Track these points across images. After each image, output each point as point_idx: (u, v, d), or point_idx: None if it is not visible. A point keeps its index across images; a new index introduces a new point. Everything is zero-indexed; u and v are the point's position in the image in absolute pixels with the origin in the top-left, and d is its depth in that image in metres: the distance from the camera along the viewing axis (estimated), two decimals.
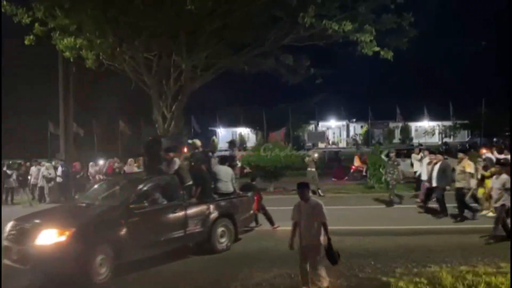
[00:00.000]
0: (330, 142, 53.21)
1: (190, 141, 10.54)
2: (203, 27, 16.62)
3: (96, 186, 9.49)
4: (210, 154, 14.43)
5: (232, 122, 53.00)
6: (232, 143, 13.00)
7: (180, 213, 8.06)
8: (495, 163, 9.55)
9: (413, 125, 54.18)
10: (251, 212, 9.73)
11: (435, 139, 49.99)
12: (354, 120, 54.58)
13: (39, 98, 32.77)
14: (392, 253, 8.06)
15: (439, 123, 51.99)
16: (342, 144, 52.74)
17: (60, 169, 18.08)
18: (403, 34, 16.45)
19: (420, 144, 15.24)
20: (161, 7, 15.57)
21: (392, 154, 14.17)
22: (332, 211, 12.27)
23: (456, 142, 42.68)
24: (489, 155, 12.16)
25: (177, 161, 8.79)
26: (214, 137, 52.48)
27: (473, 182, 10.99)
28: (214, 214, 8.59)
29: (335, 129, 56.04)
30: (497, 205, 8.73)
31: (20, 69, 32.55)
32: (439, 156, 11.71)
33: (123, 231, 7.19)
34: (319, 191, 16.11)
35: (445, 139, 48.54)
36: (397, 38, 16.44)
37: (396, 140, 51.70)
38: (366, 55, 16.08)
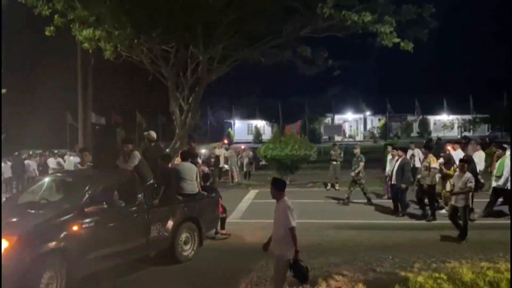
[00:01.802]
0: (347, 135, 52.78)
1: (145, 133, 8.88)
2: (219, 19, 16.56)
3: (41, 182, 7.78)
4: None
5: (248, 115, 53.03)
6: (190, 137, 12.42)
7: (142, 217, 6.91)
8: (459, 160, 8.98)
9: (432, 118, 53.37)
10: (217, 215, 8.75)
11: (454, 133, 49.20)
12: (372, 113, 53.99)
13: (58, 89, 33.23)
14: (410, 247, 7.97)
15: (458, 116, 51.13)
16: (359, 138, 52.29)
17: (72, 159, 18.27)
18: (424, 25, 16.10)
19: (391, 144, 14.30)
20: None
21: (357, 150, 13.14)
22: (348, 205, 12.34)
23: (476, 136, 41.92)
24: (454, 152, 11.69)
25: (137, 155, 7.43)
26: (230, 129, 52.63)
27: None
28: (178, 218, 7.49)
29: (352, 122, 55.57)
30: (460, 205, 8.38)
31: (39, 60, 33.01)
32: (400, 153, 11.37)
33: (77, 239, 5.91)
34: (337, 185, 16.02)
35: (465, 133, 47.73)
36: (417, 29, 16.10)
37: (414, 134, 51.06)
38: (385, 47, 15.80)
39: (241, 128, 54.41)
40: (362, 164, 12.67)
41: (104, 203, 6.32)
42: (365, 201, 12.67)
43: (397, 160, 11.22)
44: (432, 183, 10.26)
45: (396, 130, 51.77)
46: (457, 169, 8.92)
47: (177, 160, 9.72)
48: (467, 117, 49.52)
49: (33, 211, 6.23)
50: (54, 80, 32.73)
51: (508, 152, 10.56)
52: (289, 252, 4.99)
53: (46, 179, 7.64)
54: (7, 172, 17.27)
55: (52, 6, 15.60)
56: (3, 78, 19.93)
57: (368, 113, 54.27)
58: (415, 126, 52.83)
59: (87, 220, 6.08)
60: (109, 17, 15.49)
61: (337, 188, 15.91)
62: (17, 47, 28.98)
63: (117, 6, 15.23)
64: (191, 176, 8.20)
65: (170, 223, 7.31)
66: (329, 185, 16.17)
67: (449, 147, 12.16)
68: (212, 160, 17.44)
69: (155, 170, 7.65)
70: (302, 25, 17.58)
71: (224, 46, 18.47)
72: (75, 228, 5.92)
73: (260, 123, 53.94)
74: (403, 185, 10.81)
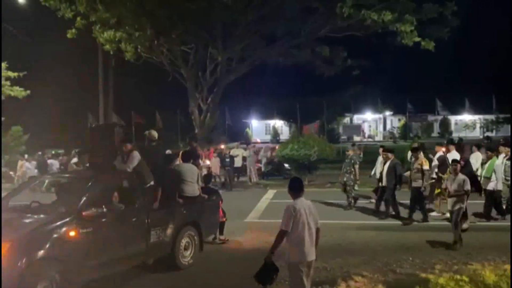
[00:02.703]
0: (366, 135, 52.29)
1: (146, 132, 8.36)
2: (238, 19, 16.68)
3: (34, 184, 7.30)
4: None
5: (265, 115, 53.04)
6: (192, 138, 12.03)
7: (142, 222, 6.47)
8: (452, 161, 8.66)
9: (453, 118, 52.43)
10: (217, 219, 8.31)
11: (476, 133, 48.25)
12: (392, 113, 53.34)
13: (80, 91, 33.93)
14: (431, 249, 7.87)
15: (481, 116, 50.09)
16: (379, 138, 51.75)
17: None
18: (445, 23, 15.89)
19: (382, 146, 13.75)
20: (197, 0, 15.74)
21: (349, 152, 12.71)
22: (367, 205, 12.21)
23: (499, 137, 41.00)
24: (441, 153, 11.41)
25: (137, 156, 6.87)
26: (247, 129, 52.73)
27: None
28: (179, 222, 7.08)
29: (371, 122, 55.00)
30: (454, 208, 8.05)
31: (62, 63, 33.71)
32: (389, 155, 11.09)
33: (74, 245, 5.47)
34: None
35: (487, 133, 46.72)
36: (438, 28, 15.91)
37: (434, 134, 50.27)
38: (405, 46, 15.67)
39: (258, 128, 54.43)
40: (357, 167, 12.31)
41: (103, 206, 5.85)
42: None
43: (386, 162, 10.96)
44: (424, 185, 10.06)
45: (417, 130, 51.03)
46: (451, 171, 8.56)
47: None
48: (490, 117, 48.41)
49: (25, 215, 5.77)
50: (76, 82, 33.44)
51: (501, 155, 10.35)
52: (290, 254, 4.81)
53: (40, 181, 7.24)
54: (31, 171, 17.72)
55: (75, 8, 16.00)
56: (27, 80, 20.51)
57: (387, 113, 53.64)
58: (436, 126, 52.00)
59: (85, 225, 5.61)
60: (130, 19, 15.81)
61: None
62: (40, 50, 29.71)
63: (137, 7, 15.53)
64: (192, 178, 7.81)
65: (170, 228, 6.88)
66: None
67: (442, 148, 11.97)
68: (227, 160, 17.47)
69: (155, 171, 7.13)
70: (321, 24, 17.61)
71: (243, 46, 18.64)
72: (72, 233, 5.47)
73: (278, 123, 53.88)
74: (393, 186, 10.56)
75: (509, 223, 9.07)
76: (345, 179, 12.25)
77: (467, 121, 50.68)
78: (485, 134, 45.75)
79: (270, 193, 15.62)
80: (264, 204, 13.38)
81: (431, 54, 16.22)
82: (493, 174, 10.17)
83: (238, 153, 19.09)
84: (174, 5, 15.70)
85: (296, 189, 4.97)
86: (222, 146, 18.46)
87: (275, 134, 51.50)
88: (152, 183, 6.88)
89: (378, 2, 14.95)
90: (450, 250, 7.70)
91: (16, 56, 21.83)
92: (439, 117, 51.73)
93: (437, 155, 11.48)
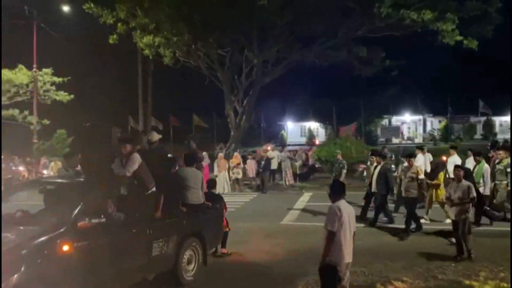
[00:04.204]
0: (405, 137, 51.01)
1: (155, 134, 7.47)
2: (275, 22, 16.73)
3: (20, 191, 6.55)
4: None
5: (301, 116, 52.76)
6: (192, 138, 11.35)
7: (144, 233, 5.76)
8: (455, 167, 8.06)
9: (497, 119, 50.26)
10: (221, 229, 7.64)
11: None
12: (432, 114, 51.81)
13: (120, 94, 34.99)
14: (475, 255, 7.55)
15: None
16: (418, 140, 50.38)
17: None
18: (489, 21, 15.28)
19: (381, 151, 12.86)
20: (233, 4, 15.93)
21: (338, 156, 12.20)
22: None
23: None
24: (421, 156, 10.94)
25: (137, 158, 6.05)
26: (283, 131, 52.64)
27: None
28: (182, 233, 6.39)
29: (411, 124, 53.60)
30: (460, 218, 7.42)
31: (103, 67, 34.90)
32: (378, 159, 10.58)
33: (68, 261, 4.73)
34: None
35: None
36: (481, 26, 15.30)
37: (477, 136, 48.40)
38: (445, 45, 15.19)
39: (294, 130, 54.18)
40: (344, 171, 11.84)
41: (102, 215, 5.13)
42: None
43: (376, 166, 10.51)
44: (417, 195, 9.55)
45: (458, 132, 49.30)
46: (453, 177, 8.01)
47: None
48: None
49: (13, 228, 4.92)
50: (117, 86, 34.55)
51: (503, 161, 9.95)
52: (331, 258, 4.75)
53: (27, 187, 6.65)
54: None
55: (115, 14, 16.58)
56: (72, 85, 21.39)
57: (427, 114, 52.14)
58: (479, 128, 50.03)
59: (81, 237, 4.87)
60: (168, 24, 16.19)
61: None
62: (83, 55, 30.90)
63: (175, 13, 15.90)
64: (196, 184, 7.12)
65: (173, 239, 6.17)
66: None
67: (420, 152, 11.60)
68: (262, 162, 17.49)
69: (155, 175, 6.38)
70: (358, 25, 17.37)
71: (278, 48, 18.68)
72: (65, 248, 4.71)
73: (314, 125, 53.45)
74: (385, 193, 10.15)
75: None
76: None
77: None
78: None
79: (306, 196, 15.52)
80: (300, 207, 13.31)
81: (472, 53, 15.65)
82: (481, 179, 9.92)
83: (274, 155, 19.07)
84: (210, 10, 15.94)
85: (336, 192, 4.99)
86: (269, 148, 18.57)
87: (311, 136, 51.13)
88: (153, 189, 6.20)
89: (417, 1, 14.56)
90: (496, 257, 7.37)
91: (61, 62, 22.83)
92: (482, 118, 49.77)
93: (417, 157, 11.20)
